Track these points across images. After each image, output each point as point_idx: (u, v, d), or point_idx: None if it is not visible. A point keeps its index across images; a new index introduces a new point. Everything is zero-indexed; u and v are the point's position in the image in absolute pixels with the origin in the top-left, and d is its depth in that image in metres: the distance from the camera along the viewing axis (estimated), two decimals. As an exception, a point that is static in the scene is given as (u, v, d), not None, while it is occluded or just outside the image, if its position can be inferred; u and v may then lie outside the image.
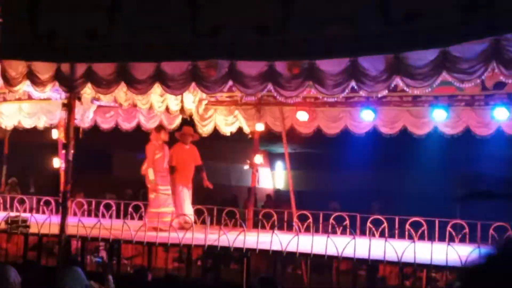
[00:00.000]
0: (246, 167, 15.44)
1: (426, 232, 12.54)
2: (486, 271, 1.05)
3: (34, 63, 11.48)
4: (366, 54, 9.68)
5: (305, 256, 10.91)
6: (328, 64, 10.01)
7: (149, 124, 15.10)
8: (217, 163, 23.12)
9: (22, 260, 11.96)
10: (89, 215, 14.41)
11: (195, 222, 12.98)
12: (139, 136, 14.69)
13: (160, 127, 14.13)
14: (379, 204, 15.57)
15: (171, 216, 12.91)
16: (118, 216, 13.92)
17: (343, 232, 12.99)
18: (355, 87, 10.17)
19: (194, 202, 14.36)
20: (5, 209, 14.90)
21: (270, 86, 10.48)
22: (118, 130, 15.61)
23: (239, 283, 11.08)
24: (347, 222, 13.22)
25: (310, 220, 13.51)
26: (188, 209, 13.55)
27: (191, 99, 14.08)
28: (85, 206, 14.75)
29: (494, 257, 1.03)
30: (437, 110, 13.24)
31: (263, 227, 12.85)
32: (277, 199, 20.51)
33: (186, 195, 13.66)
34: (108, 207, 14.22)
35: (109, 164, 21.08)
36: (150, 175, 13.28)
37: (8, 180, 18.23)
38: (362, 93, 10.74)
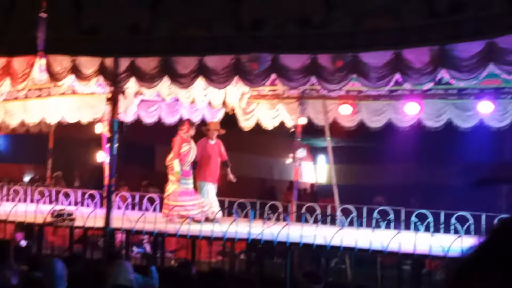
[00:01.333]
0: (289, 161, 15.39)
1: (472, 226, 12.39)
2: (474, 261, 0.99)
3: (79, 58, 11.57)
4: (410, 46, 9.56)
5: (349, 250, 10.83)
6: (372, 56, 9.91)
7: (192, 118, 15.12)
8: (259, 157, 23.16)
9: (68, 253, 12.09)
10: (133, 208, 14.52)
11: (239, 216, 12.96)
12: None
13: (192, 121, 14.18)
14: (417, 200, 15.34)
15: (195, 208, 13.00)
16: (161, 210, 13.98)
17: (387, 227, 12.90)
18: (400, 80, 10.07)
19: (236, 195, 14.43)
20: (50, 202, 15.08)
21: (313, 79, 10.42)
22: (161, 124, 15.69)
23: (283, 277, 11.06)
24: (392, 216, 13.11)
25: (354, 214, 13.39)
26: (211, 202, 13.59)
27: (234, 93, 14.06)
28: (129, 200, 14.85)
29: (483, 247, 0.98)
30: (483, 103, 13.04)
31: (306, 221, 12.80)
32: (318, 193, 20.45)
33: (211, 190, 13.70)
34: (152, 200, 14.30)
35: (152, 158, 21.22)
36: (176, 166, 13.19)
37: (53, 174, 18.48)
38: (407, 85, 10.62)
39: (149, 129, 15.90)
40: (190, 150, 13.44)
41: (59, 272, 6.98)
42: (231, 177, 13.84)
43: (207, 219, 12.64)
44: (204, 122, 14.83)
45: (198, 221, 12.17)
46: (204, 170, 13.66)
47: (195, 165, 13.65)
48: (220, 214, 13.41)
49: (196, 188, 13.56)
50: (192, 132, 13.60)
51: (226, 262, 13.21)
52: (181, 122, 14.09)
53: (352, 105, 14.10)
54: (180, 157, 13.28)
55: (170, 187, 13.33)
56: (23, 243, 13.01)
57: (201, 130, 13.98)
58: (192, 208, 13.12)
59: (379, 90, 12.61)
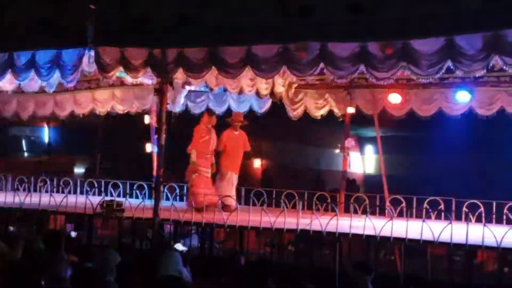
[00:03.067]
0: (337, 151, 15.23)
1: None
2: None
3: (127, 49, 11.61)
4: (463, 32, 9.34)
5: (399, 241, 10.67)
6: (423, 43, 9.72)
7: (239, 109, 15.09)
8: (306, 147, 23.07)
9: (117, 244, 12.17)
10: (181, 199, 14.56)
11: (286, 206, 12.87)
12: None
13: (212, 112, 14.35)
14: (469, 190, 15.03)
15: (214, 197, 13.04)
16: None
17: (438, 217, 12.70)
18: (451, 67, 9.86)
19: (284, 186, 14.43)
20: (99, 193, 15.21)
21: (362, 67, 10.27)
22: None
23: (332, 268, 10.96)
24: (442, 206, 12.90)
25: (404, 204, 13.21)
26: (232, 193, 13.75)
27: (281, 82, 13.99)
28: (177, 191, 14.90)
29: None
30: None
31: (355, 211, 12.69)
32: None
33: (233, 180, 13.94)
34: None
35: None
36: (193, 156, 13.50)
37: (102, 165, 18.65)
38: (458, 73, 10.40)
39: (197, 120, 15.86)
40: (210, 140, 13.69)
41: (112, 262, 7.03)
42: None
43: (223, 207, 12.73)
44: (229, 113, 14.89)
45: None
46: (227, 160, 13.95)
47: (218, 154, 13.94)
48: (233, 203, 13.38)
49: (218, 176, 13.88)
50: (213, 122, 13.85)
51: (274, 253, 13.16)
52: (210, 112, 14.34)
53: (401, 93, 13.88)
54: (199, 147, 13.45)
55: (192, 176, 13.58)
56: (73, 234, 13.13)
57: (226, 121, 14.23)
58: (213, 196, 13.23)
59: (430, 78, 12.38)
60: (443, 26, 9.45)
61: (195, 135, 13.61)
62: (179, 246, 12.54)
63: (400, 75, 12.21)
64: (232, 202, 12.97)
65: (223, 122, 14.34)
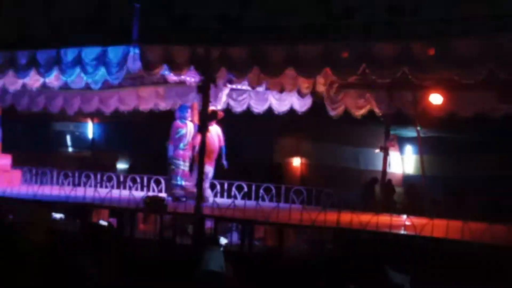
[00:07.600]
0: (377, 150, 15.25)
1: None
2: None
3: (171, 48, 11.77)
4: (507, 34, 9.32)
5: (438, 241, 10.67)
6: (465, 45, 9.71)
7: (280, 107, 15.18)
8: (345, 146, 23.02)
9: (159, 239, 12.32)
10: (222, 196, 14.71)
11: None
12: (271, 120, 14.82)
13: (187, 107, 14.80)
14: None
15: (189, 188, 13.85)
16: (249, 198, 14.15)
17: (479, 219, 12.66)
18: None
19: (326, 185, 14.50)
20: (142, 189, 15.43)
21: (404, 68, 10.30)
22: (250, 113, 15.77)
23: (370, 267, 11.00)
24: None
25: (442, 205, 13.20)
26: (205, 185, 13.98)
27: (322, 81, 14.02)
28: (218, 187, 15.05)
29: None
30: None
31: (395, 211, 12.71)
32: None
33: (208, 172, 14.11)
34: (240, 188, 14.48)
35: (240, 148, 21.34)
36: (169, 151, 14.26)
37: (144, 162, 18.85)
38: (502, 75, 10.36)
39: (238, 118, 16.00)
40: (186, 134, 14.34)
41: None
42: (224, 163, 14.41)
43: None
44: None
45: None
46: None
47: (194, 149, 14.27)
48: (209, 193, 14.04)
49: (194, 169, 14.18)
50: (189, 116, 14.44)
51: (312, 250, 13.20)
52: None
53: (442, 94, 13.84)
54: (175, 142, 14.21)
55: (171, 168, 14.31)
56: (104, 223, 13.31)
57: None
58: (188, 187, 14.07)
59: (472, 80, 12.34)
60: (487, 27, 9.43)
61: (171, 131, 14.22)
62: (223, 240, 12.73)
63: (445, 76, 12.19)
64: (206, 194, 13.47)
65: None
